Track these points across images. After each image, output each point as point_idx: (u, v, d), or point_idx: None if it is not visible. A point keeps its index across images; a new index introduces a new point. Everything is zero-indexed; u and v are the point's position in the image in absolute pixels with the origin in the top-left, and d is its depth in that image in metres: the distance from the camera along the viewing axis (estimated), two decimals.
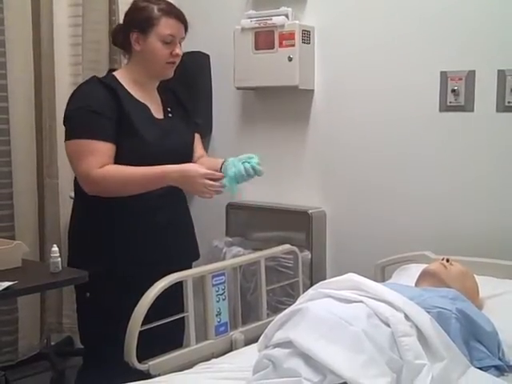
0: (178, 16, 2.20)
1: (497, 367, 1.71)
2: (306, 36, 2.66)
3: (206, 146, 3.07)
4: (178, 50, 2.20)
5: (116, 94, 2.13)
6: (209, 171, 2.07)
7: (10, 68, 2.72)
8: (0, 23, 2.67)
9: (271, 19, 2.67)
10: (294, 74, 2.64)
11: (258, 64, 2.72)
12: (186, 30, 2.23)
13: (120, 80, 2.19)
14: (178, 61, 2.23)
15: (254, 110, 2.95)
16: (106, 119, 2.09)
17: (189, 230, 2.40)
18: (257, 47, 2.72)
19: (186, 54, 2.93)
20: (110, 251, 2.18)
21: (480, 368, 1.67)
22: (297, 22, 2.65)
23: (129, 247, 2.18)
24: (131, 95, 2.18)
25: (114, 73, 2.24)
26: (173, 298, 2.03)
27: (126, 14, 2.23)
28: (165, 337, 2.04)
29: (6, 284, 1.86)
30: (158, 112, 2.25)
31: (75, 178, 2.23)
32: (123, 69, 2.27)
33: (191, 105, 2.63)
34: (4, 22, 2.68)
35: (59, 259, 2.03)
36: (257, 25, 2.70)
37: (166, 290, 1.97)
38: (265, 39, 2.69)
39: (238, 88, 2.85)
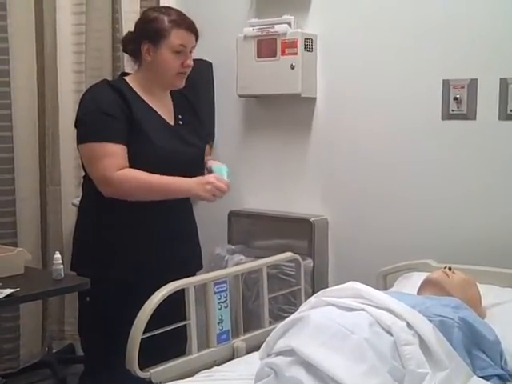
0: (189, 26, 2.21)
1: (499, 376, 1.70)
2: (309, 44, 2.67)
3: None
4: (189, 61, 2.21)
5: (126, 97, 2.14)
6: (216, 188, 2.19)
7: (13, 75, 2.73)
8: (3, 31, 2.68)
9: (274, 27, 2.68)
10: (296, 81, 2.65)
11: (261, 72, 2.73)
12: (196, 38, 2.24)
13: (131, 84, 2.20)
14: (189, 71, 2.24)
15: (256, 117, 2.95)
16: (118, 121, 2.11)
17: (194, 239, 2.41)
18: (259, 55, 2.73)
19: None
20: (115, 258, 2.18)
21: (482, 377, 1.66)
22: (299, 30, 2.66)
23: (135, 255, 2.18)
24: (142, 99, 2.19)
25: (126, 78, 2.25)
26: (174, 307, 2.02)
27: (137, 25, 2.24)
28: (166, 346, 2.03)
29: (8, 291, 1.86)
30: (168, 118, 2.26)
31: (83, 183, 2.25)
32: (134, 75, 2.26)
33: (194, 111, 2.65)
34: (7, 30, 2.69)
35: (61, 266, 2.03)
36: (259, 33, 2.71)
37: (168, 297, 1.97)
38: (267, 47, 2.70)
39: (241, 96, 2.86)
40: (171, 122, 2.26)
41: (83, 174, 2.25)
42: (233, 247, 2.88)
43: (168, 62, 2.16)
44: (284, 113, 2.85)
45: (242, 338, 2.25)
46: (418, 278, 2.13)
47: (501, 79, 2.31)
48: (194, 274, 2.32)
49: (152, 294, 1.98)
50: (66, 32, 2.93)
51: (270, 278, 2.46)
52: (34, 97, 2.83)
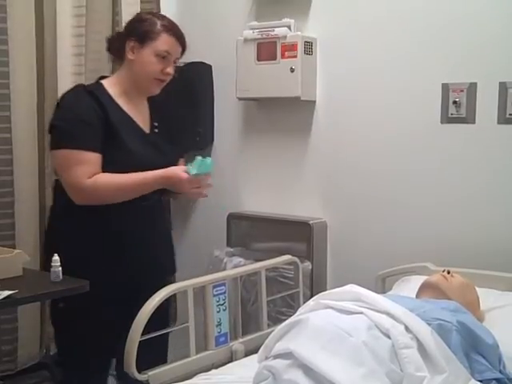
0: (179, 36, 2.20)
1: (498, 380, 1.70)
2: (309, 47, 2.67)
3: (207, 156, 3.08)
4: (170, 69, 2.19)
5: (102, 103, 2.13)
6: (189, 176, 2.15)
7: (12, 77, 2.73)
8: (3, 33, 2.68)
9: (274, 30, 2.68)
10: (296, 85, 2.65)
11: (260, 75, 2.73)
12: (183, 51, 2.24)
13: (108, 89, 2.19)
14: (167, 80, 2.22)
15: (255, 120, 2.95)
16: (93, 129, 2.09)
17: (166, 242, 2.39)
18: (259, 58, 2.73)
19: (189, 65, 2.97)
20: (87, 264, 2.15)
21: (481, 381, 1.66)
22: (299, 33, 2.66)
23: (105, 260, 2.15)
24: (118, 105, 2.17)
25: (103, 81, 2.22)
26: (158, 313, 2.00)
27: (129, 23, 2.24)
28: (146, 353, 2.00)
29: (7, 293, 1.85)
30: (144, 126, 2.24)
31: (55, 187, 2.25)
32: (113, 77, 2.25)
33: (192, 116, 2.66)
34: (7, 32, 2.69)
35: (60, 268, 2.02)
36: (259, 36, 2.71)
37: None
38: (267, 50, 2.70)
39: (240, 99, 2.86)
40: (147, 129, 2.25)
41: (54, 177, 2.25)
42: (231, 250, 2.88)
43: (149, 64, 2.15)
44: (283, 116, 2.85)
45: (241, 340, 2.25)
46: (417, 281, 2.13)
47: (500, 83, 2.31)
48: (167, 279, 2.31)
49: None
50: (66, 34, 2.93)
51: (269, 280, 2.47)
52: (33, 99, 2.83)
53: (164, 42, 2.16)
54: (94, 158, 2.08)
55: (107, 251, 2.16)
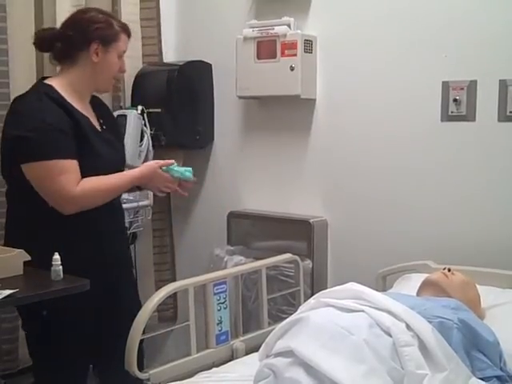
0: (129, 33, 2.24)
1: (499, 378, 1.70)
2: (308, 45, 2.67)
3: (207, 154, 3.09)
4: (124, 67, 2.27)
5: (66, 108, 2.09)
6: (160, 161, 2.23)
7: (12, 77, 2.73)
8: (3, 32, 2.68)
9: (273, 29, 2.68)
10: (295, 83, 2.65)
11: (260, 73, 2.73)
12: None
13: (59, 91, 2.13)
14: (120, 77, 2.29)
15: (255, 119, 2.95)
16: (66, 135, 2.05)
17: (124, 237, 2.44)
18: (259, 56, 2.73)
19: (189, 63, 2.97)
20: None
21: (482, 378, 1.66)
22: (299, 31, 2.66)
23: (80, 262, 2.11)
24: (73, 107, 2.13)
25: (50, 82, 2.15)
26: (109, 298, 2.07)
27: (83, 24, 2.16)
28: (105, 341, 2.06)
29: (7, 292, 1.85)
30: (95, 124, 2.22)
31: (7, 192, 2.19)
32: (60, 78, 2.18)
33: (192, 115, 2.66)
34: (7, 31, 2.69)
35: (60, 267, 2.02)
36: (259, 34, 2.71)
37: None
38: (267, 48, 2.70)
39: (240, 97, 2.86)
40: (98, 127, 2.23)
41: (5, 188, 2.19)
42: (232, 248, 2.88)
43: (114, 64, 2.19)
44: (283, 114, 2.85)
45: (242, 338, 2.25)
46: (418, 279, 2.13)
47: (500, 81, 2.31)
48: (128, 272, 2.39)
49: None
50: None
51: (270, 279, 2.47)
52: None
53: (123, 42, 2.20)
54: (74, 165, 2.05)
55: (83, 253, 2.14)
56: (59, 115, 2.06)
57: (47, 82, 2.17)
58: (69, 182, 2.03)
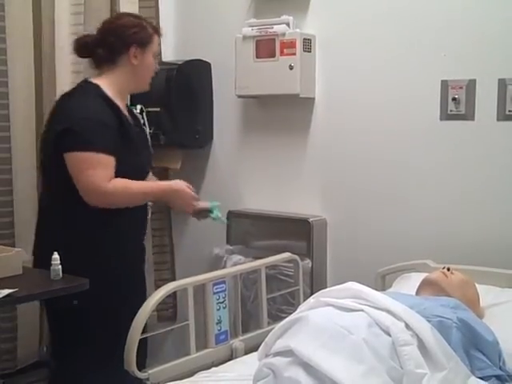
0: (161, 34, 2.37)
1: (498, 377, 1.70)
2: (307, 44, 2.66)
3: (207, 154, 3.09)
4: (157, 66, 2.38)
5: (112, 106, 2.19)
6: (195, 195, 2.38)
7: (11, 76, 2.73)
8: (1, 31, 2.68)
9: (272, 27, 2.68)
10: (294, 82, 2.65)
11: (259, 72, 2.72)
12: None
13: (105, 90, 2.22)
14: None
15: (254, 118, 2.95)
16: (111, 131, 2.15)
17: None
18: (258, 55, 2.73)
19: (188, 62, 2.96)
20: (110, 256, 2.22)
21: (481, 378, 1.66)
22: (298, 30, 2.66)
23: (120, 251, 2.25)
24: (119, 106, 2.23)
25: (97, 83, 2.23)
26: None
27: (119, 29, 2.25)
28: None
29: (7, 291, 1.85)
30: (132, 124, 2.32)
31: (43, 191, 2.29)
32: (105, 78, 2.25)
33: (191, 114, 2.69)
34: (5, 30, 2.69)
35: (59, 267, 2.02)
36: (258, 33, 2.71)
37: None
38: (266, 47, 2.70)
39: (239, 96, 2.86)
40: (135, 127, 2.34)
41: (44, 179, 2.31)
42: (231, 247, 2.88)
43: (151, 65, 2.30)
44: (283, 113, 2.85)
45: (241, 338, 2.25)
46: (417, 278, 2.13)
47: (499, 80, 2.31)
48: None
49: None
50: (65, 32, 2.92)
51: (269, 278, 2.47)
52: (31, 97, 2.83)
53: (156, 43, 2.33)
54: (111, 162, 2.13)
55: (109, 250, 2.22)
56: (105, 112, 2.17)
57: (93, 81, 2.25)
58: (103, 176, 2.11)
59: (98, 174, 2.10)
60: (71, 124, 2.12)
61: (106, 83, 2.24)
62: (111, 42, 2.24)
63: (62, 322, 2.26)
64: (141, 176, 2.27)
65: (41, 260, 2.16)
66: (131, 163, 2.20)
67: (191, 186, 2.38)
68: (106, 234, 2.21)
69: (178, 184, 2.35)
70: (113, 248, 2.22)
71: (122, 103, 2.27)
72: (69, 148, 2.12)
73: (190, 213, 2.44)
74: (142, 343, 1.99)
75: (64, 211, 2.20)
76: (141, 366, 1.95)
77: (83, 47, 2.31)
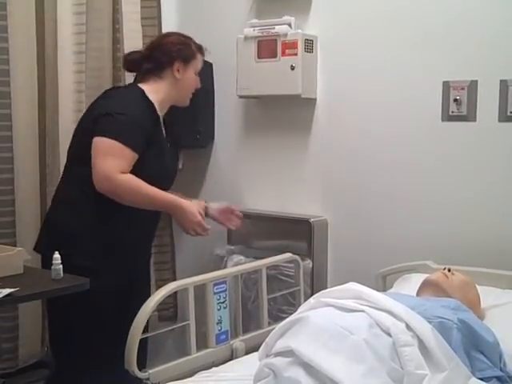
0: (204, 53, 2.51)
1: (498, 378, 1.70)
2: (309, 45, 2.66)
3: (208, 154, 3.09)
4: (199, 83, 2.50)
5: (152, 111, 2.31)
6: (203, 223, 2.39)
7: (13, 75, 2.73)
8: (3, 30, 2.68)
9: (274, 28, 2.68)
10: (296, 82, 2.65)
11: (261, 73, 2.72)
12: None
13: (149, 96, 2.33)
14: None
15: (256, 118, 2.95)
16: (143, 131, 2.24)
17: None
18: (259, 56, 2.73)
19: None
20: (114, 250, 2.28)
21: (482, 379, 1.66)
22: (300, 31, 2.66)
23: (130, 248, 2.34)
24: (158, 114, 2.35)
25: (143, 88, 2.35)
26: None
27: (167, 47, 2.40)
28: None
29: (8, 291, 1.86)
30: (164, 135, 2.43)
31: (74, 172, 2.32)
32: (151, 86, 2.37)
33: (192, 114, 2.72)
34: (7, 30, 2.69)
35: (61, 266, 2.03)
36: (260, 34, 2.71)
37: None
38: (267, 48, 2.70)
39: (241, 96, 2.86)
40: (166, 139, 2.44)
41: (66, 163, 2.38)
42: (232, 248, 2.88)
43: (193, 81, 2.45)
44: (284, 114, 2.85)
45: (241, 338, 2.25)
46: (418, 279, 2.13)
47: (501, 81, 2.31)
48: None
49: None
50: (67, 32, 2.93)
51: (270, 278, 2.47)
52: (34, 96, 2.83)
53: (200, 61, 2.48)
54: (131, 157, 2.20)
55: (132, 242, 2.35)
56: (145, 114, 2.28)
57: (141, 86, 2.36)
58: (118, 166, 2.17)
59: (115, 163, 2.16)
60: (113, 111, 2.21)
61: (151, 90, 2.35)
62: (158, 57, 2.39)
63: (63, 320, 2.26)
64: (162, 185, 2.31)
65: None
66: (155, 170, 2.29)
67: (203, 212, 2.42)
68: (118, 231, 2.29)
69: (190, 206, 2.34)
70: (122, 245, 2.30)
71: (161, 112, 2.37)
72: (101, 131, 2.19)
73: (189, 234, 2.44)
74: (143, 343, 1.99)
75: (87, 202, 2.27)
76: (141, 365, 1.96)
77: (131, 63, 2.46)
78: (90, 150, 2.19)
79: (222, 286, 2.19)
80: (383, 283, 2.43)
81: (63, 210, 2.32)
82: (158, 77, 2.38)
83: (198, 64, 2.46)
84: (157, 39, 2.53)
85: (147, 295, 2.36)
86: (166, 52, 2.39)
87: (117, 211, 2.23)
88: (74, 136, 2.40)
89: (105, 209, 2.23)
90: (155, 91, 2.35)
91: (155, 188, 2.24)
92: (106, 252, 2.25)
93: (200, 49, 2.49)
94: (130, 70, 2.52)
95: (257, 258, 2.63)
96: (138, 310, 1.97)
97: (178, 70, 2.39)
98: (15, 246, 2.53)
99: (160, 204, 2.30)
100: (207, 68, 3.01)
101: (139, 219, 2.33)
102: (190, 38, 2.47)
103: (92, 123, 2.23)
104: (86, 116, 2.36)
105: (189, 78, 2.42)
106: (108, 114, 2.21)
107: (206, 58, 2.97)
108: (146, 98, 2.32)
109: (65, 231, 2.27)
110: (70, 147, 2.40)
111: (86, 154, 2.20)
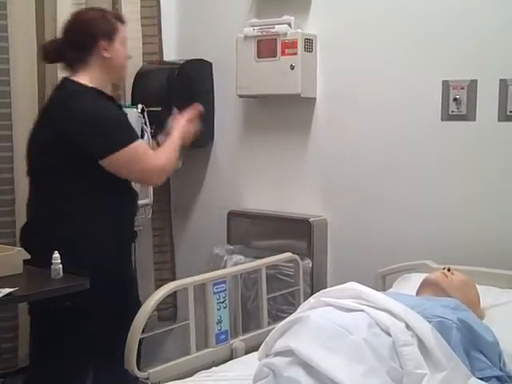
0: (124, 20, 2.35)
1: (498, 378, 1.70)
2: (309, 44, 2.66)
3: (208, 153, 3.09)
4: (127, 52, 2.37)
5: (111, 98, 2.29)
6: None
7: (13, 74, 2.73)
8: (3, 30, 2.68)
9: (274, 27, 2.68)
10: (296, 82, 2.65)
11: (261, 72, 2.72)
12: None
13: (94, 86, 2.24)
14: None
15: (255, 117, 2.95)
16: (127, 119, 2.26)
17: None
18: (259, 55, 2.73)
19: (189, 62, 2.96)
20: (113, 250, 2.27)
21: (481, 378, 1.66)
22: (299, 30, 2.66)
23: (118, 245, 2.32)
24: (113, 98, 2.34)
25: (79, 81, 2.23)
26: None
27: (83, 26, 2.26)
28: None
29: (7, 290, 1.86)
30: None
31: (66, 187, 2.22)
32: (84, 76, 2.24)
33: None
34: (7, 29, 2.69)
35: (60, 266, 2.03)
36: (259, 33, 2.71)
37: None
38: (267, 47, 2.70)
39: (240, 96, 2.86)
40: None
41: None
42: (232, 247, 2.88)
43: (121, 54, 2.30)
44: (284, 113, 2.85)
45: (241, 338, 2.25)
46: (417, 278, 2.13)
47: (500, 80, 2.31)
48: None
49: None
50: None
51: (269, 278, 2.47)
52: (34, 96, 2.83)
53: (122, 30, 2.31)
54: (144, 144, 2.30)
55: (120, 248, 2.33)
56: (110, 105, 2.25)
57: (75, 79, 2.24)
58: (153, 156, 2.25)
59: (150, 157, 2.22)
60: (94, 121, 2.14)
61: (87, 80, 2.23)
62: (78, 40, 2.23)
63: (49, 322, 2.24)
64: None
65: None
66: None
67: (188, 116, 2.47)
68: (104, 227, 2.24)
69: (183, 126, 2.42)
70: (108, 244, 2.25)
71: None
72: (107, 151, 2.14)
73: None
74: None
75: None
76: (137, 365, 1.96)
77: (49, 53, 2.30)
78: (68, 162, 2.14)
79: (221, 285, 2.19)
80: (383, 283, 2.43)
81: (63, 227, 2.22)
82: (85, 63, 2.24)
83: (122, 35, 2.30)
84: (71, 19, 2.30)
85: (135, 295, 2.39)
86: (86, 33, 2.23)
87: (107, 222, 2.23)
88: (35, 153, 2.27)
89: (98, 221, 2.21)
90: (89, 80, 2.23)
91: (164, 146, 2.34)
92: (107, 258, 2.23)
93: (119, 18, 2.33)
94: (51, 62, 2.37)
95: (256, 257, 2.62)
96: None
97: (106, 49, 2.24)
98: (15, 245, 2.53)
99: (177, 147, 2.37)
100: (207, 67, 3.02)
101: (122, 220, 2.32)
102: (104, 10, 2.34)
103: (63, 138, 2.13)
104: (46, 128, 2.22)
105: (117, 53, 2.27)
106: (92, 125, 2.13)
107: (205, 58, 3.00)
108: (94, 89, 2.21)
109: (79, 250, 2.17)
110: (33, 162, 2.28)
111: (62, 167, 2.15)
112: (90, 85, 2.23)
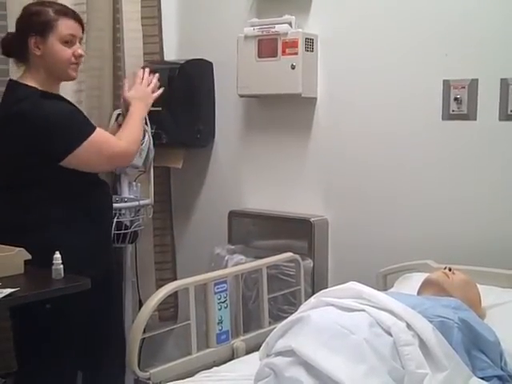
0: (76, 16, 2.21)
1: (499, 377, 1.70)
2: (309, 44, 2.66)
3: (208, 153, 3.09)
4: (80, 51, 2.21)
5: (60, 97, 2.22)
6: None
7: (13, 74, 2.72)
8: (3, 30, 2.66)
9: (274, 27, 2.67)
10: (296, 82, 2.65)
11: (261, 72, 2.72)
12: (83, 30, 2.24)
13: (37, 87, 2.16)
14: (80, 61, 2.25)
15: (256, 117, 2.95)
16: (81, 114, 2.21)
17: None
18: (260, 55, 2.73)
19: (190, 62, 2.96)
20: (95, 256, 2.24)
21: (482, 378, 1.66)
22: (300, 30, 2.65)
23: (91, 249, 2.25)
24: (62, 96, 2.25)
25: (24, 82, 2.16)
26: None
27: (20, 21, 2.18)
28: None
29: (8, 291, 1.86)
30: None
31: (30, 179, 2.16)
32: (26, 77, 2.17)
33: (192, 114, 2.70)
34: (7, 30, 2.68)
35: (61, 266, 2.03)
36: (260, 33, 2.71)
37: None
38: (268, 47, 2.70)
39: (241, 96, 2.86)
40: None
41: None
42: (233, 247, 2.88)
43: (58, 52, 2.14)
44: (284, 113, 2.84)
45: (242, 338, 2.25)
46: (418, 278, 2.13)
47: (501, 79, 2.30)
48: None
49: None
50: None
51: (270, 278, 2.47)
52: None
53: (65, 26, 2.14)
54: (104, 131, 2.25)
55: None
56: (61, 103, 2.17)
57: (22, 82, 2.17)
58: (114, 141, 2.23)
59: (110, 144, 2.20)
60: (51, 122, 2.07)
61: (31, 81, 2.15)
62: (14, 37, 2.16)
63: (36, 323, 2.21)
64: None
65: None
66: None
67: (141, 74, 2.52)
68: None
69: (136, 92, 2.45)
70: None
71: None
72: (67, 148, 2.10)
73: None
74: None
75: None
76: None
77: (6, 46, 2.21)
78: (40, 170, 2.10)
79: (222, 285, 2.19)
80: (384, 282, 2.43)
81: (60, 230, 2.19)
82: (26, 61, 2.16)
83: (62, 31, 2.13)
84: (20, 15, 2.21)
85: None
86: (18, 29, 2.14)
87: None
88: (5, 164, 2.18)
89: (84, 221, 2.21)
90: (32, 81, 2.14)
91: (123, 125, 2.34)
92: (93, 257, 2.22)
93: (63, 12, 2.15)
94: (8, 56, 2.26)
95: (257, 257, 2.62)
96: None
97: (38, 46, 2.12)
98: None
99: (142, 118, 2.42)
100: (208, 67, 3.02)
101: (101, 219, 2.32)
102: (48, 4, 2.18)
103: (30, 146, 2.08)
104: (10, 140, 2.12)
105: (53, 51, 2.12)
106: (52, 126, 2.07)
107: (206, 58, 2.99)
108: (41, 92, 2.12)
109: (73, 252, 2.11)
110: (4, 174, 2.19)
111: (37, 175, 2.12)
112: (35, 85, 2.14)
